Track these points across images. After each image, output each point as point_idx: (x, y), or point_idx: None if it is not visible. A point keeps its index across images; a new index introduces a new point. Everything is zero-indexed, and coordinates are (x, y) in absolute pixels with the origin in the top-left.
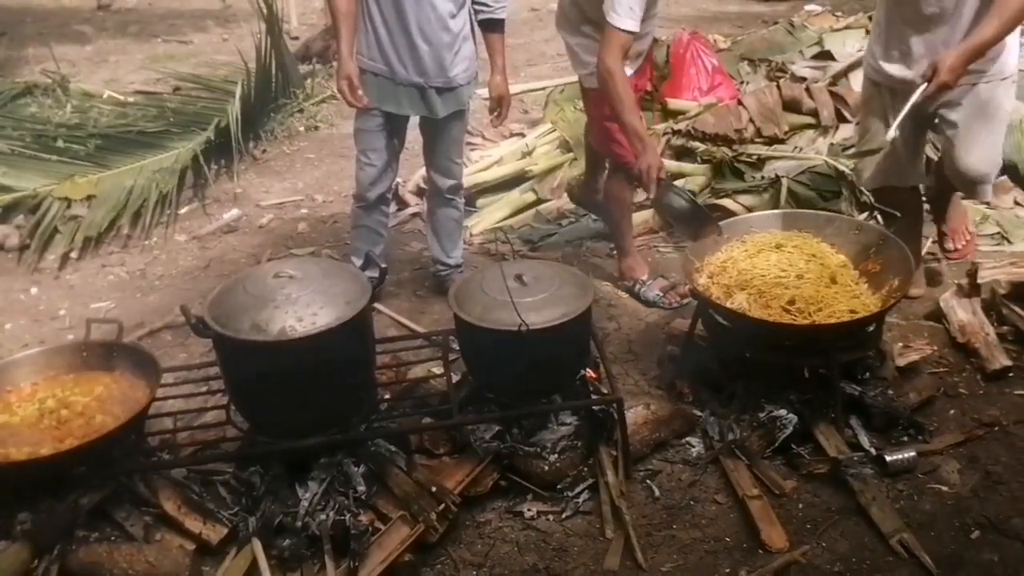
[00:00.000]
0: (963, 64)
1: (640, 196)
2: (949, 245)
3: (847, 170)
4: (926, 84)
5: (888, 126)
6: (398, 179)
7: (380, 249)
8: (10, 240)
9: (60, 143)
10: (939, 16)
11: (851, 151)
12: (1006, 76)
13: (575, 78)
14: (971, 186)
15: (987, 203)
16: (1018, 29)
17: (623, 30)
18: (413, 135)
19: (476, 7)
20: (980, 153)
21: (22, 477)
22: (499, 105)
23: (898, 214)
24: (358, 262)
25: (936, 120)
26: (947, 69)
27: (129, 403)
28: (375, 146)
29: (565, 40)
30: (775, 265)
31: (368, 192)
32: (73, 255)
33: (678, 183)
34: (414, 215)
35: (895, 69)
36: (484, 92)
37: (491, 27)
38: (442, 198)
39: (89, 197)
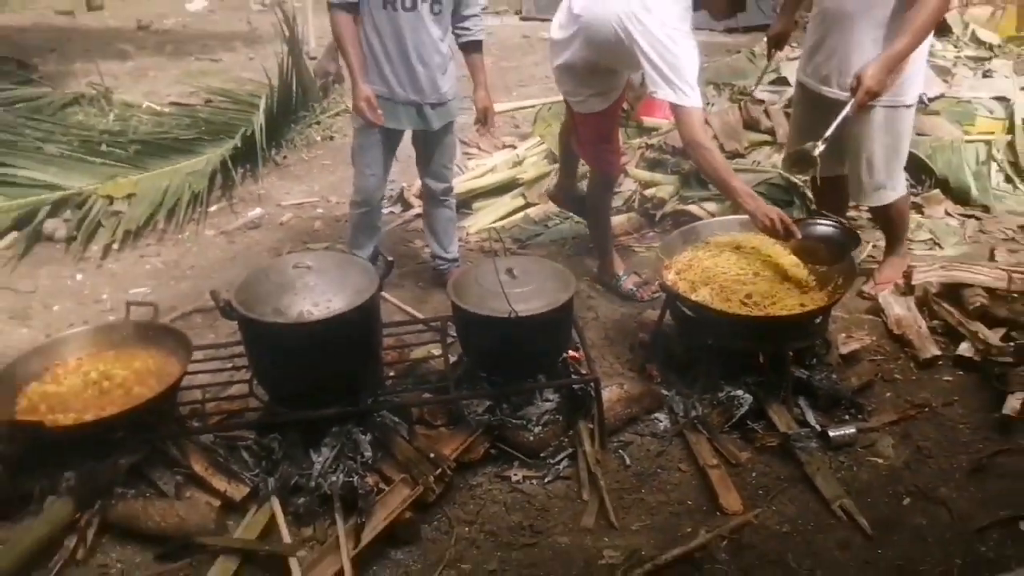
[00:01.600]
0: (884, 73)
1: (616, 202)
2: (868, 288)
3: (798, 182)
4: (853, 100)
5: (814, 130)
6: (403, 183)
7: (375, 242)
8: (59, 232)
9: (104, 147)
10: (855, 14)
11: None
12: (904, 102)
13: (560, 97)
14: (867, 191)
15: (920, 209)
16: (923, 60)
17: (697, 107)
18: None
19: (457, 31)
20: (873, 161)
21: (68, 440)
22: (484, 116)
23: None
24: (362, 254)
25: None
26: (870, 78)
27: (163, 376)
28: (375, 159)
29: (560, 74)
30: (735, 264)
31: (371, 197)
32: (114, 246)
33: (649, 192)
34: (417, 216)
35: (815, 72)
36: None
37: (472, 48)
38: (436, 200)
39: (129, 195)
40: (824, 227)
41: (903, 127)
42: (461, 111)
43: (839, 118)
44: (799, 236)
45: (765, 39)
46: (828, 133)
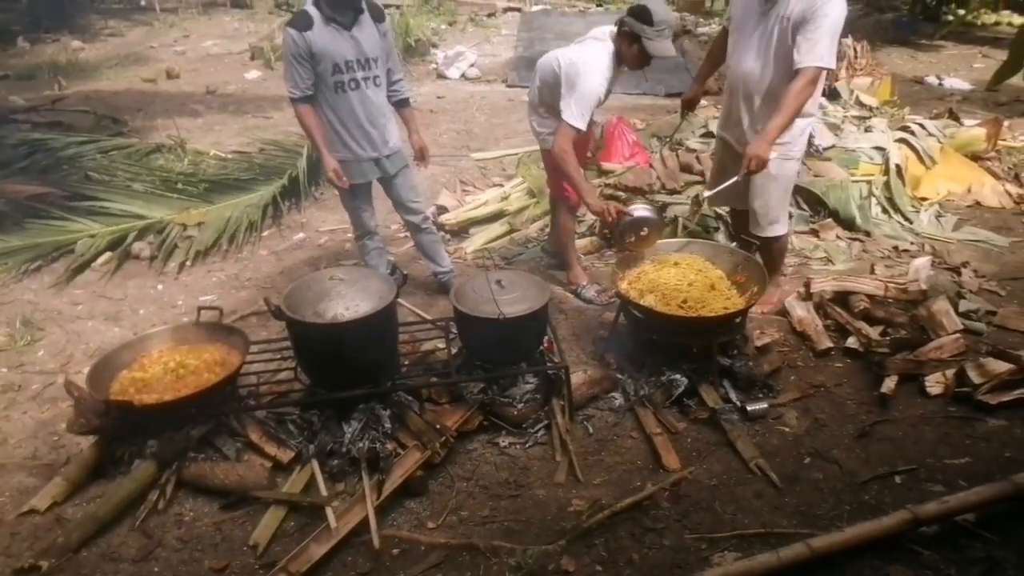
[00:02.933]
0: (766, 149)
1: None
2: (756, 308)
3: (723, 213)
4: (745, 170)
5: (728, 171)
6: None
7: (386, 260)
8: (144, 252)
9: (179, 186)
10: (751, 89)
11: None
12: (792, 157)
13: (538, 147)
14: (763, 224)
15: (816, 234)
16: (806, 126)
17: (574, 127)
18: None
19: (390, 94)
20: (767, 202)
21: (151, 416)
22: (421, 154)
23: (756, 243)
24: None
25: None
26: (754, 152)
27: (226, 365)
28: (357, 205)
29: (529, 117)
30: (673, 276)
31: (369, 226)
32: (188, 263)
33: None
34: None
35: (727, 130)
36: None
37: (402, 104)
38: (418, 229)
39: (199, 223)
40: (642, 211)
41: (790, 175)
42: (459, 158)
43: (730, 181)
44: (618, 227)
45: (680, 102)
46: (717, 190)
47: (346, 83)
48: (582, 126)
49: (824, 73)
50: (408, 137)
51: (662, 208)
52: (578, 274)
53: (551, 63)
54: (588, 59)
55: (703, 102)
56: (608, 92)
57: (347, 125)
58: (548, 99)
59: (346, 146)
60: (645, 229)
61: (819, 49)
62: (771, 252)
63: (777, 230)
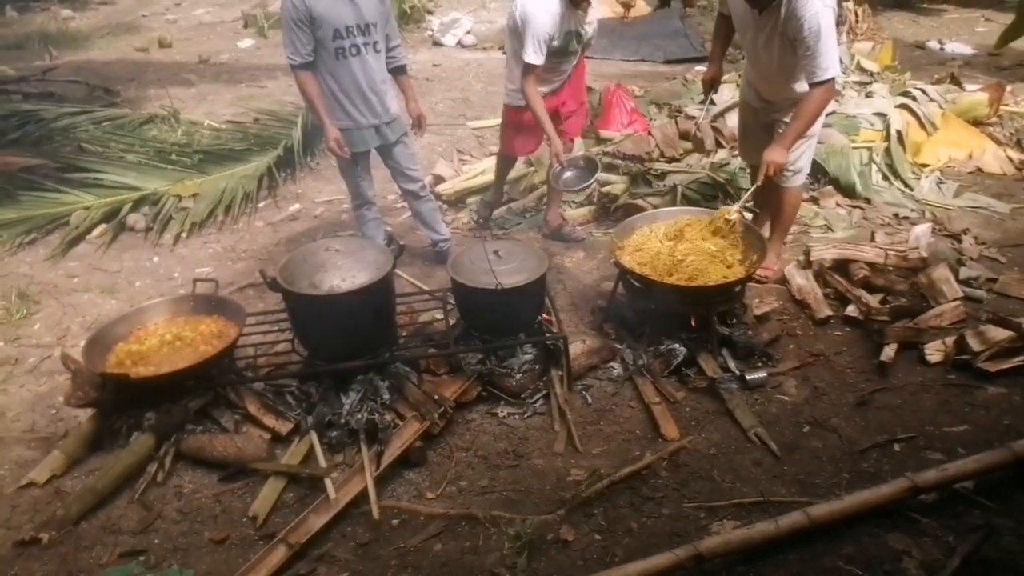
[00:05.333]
0: (783, 155)
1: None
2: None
3: (722, 180)
4: (762, 177)
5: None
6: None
7: (381, 231)
8: (139, 224)
9: (173, 157)
10: (765, 70)
11: (726, 164)
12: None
13: None
14: (786, 174)
15: (816, 201)
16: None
17: (529, 64)
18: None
19: (388, 59)
20: (795, 152)
21: (149, 388)
22: (418, 121)
23: (757, 211)
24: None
25: (774, 124)
26: (773, 158)
27: (223, 337)
28: (356, 173)
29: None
30: (672, 245)
31: (368, 196)
32: (183, 235)
33: (605, 189)
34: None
35: (749, 96)
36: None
37: (399, 71)
38: (416, 196)
39: (194, 195)
40: (579, 159)
41: (818, 127)
42: (456, 126)
43: (751, 190)
44: (556, 166)
45: (701, 82)
46: (741, 202)
47: (347, 49)
48: (534, 61)
49: (836, 78)
50: (406, 105)
51: (591, 163)
52: (556, 216)
53: (512, 13)
54: (539, 3)
55: (701, 68)
56: (568, 32)
57: (348, 92)
58: (517, 50)
59: (347, 114)
60: (584, 183)
61: (823, 62)
62: (784, 205)
63: (798, 179)
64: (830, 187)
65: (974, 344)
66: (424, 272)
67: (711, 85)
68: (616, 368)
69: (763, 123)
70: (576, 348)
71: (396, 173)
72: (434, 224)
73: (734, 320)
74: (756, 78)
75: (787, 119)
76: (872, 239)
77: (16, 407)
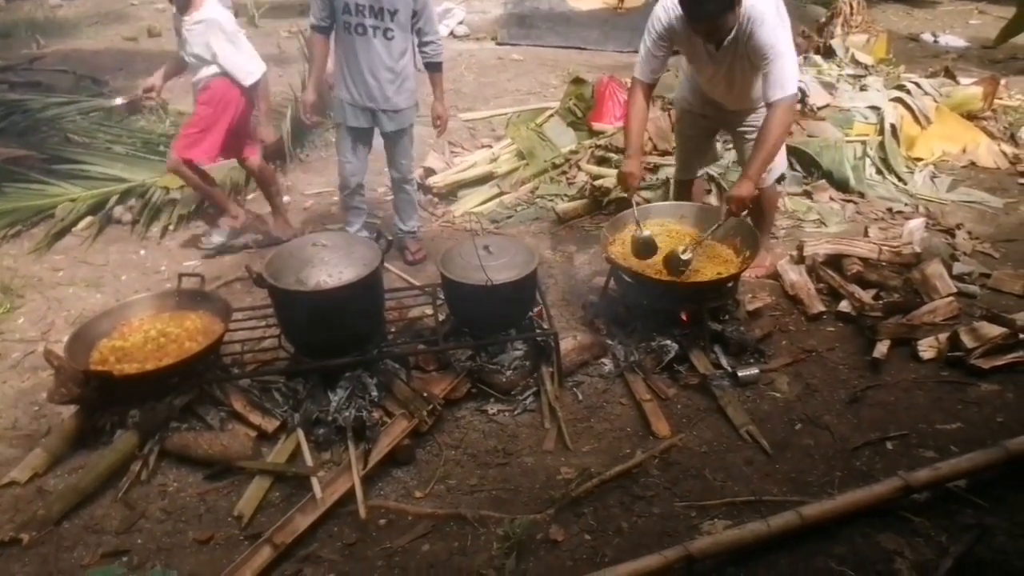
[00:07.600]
0: (750, 190)
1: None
2: (748, 273)
3: (715, 175)
4: (726, 216)
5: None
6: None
7: (363, 220)
8: (125, 216)
9: (161, 148)
10: (725, 94)
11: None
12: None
13: (529, 106)
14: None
15: (809, 196)
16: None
17: None
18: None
19: (421, 54)
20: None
21: (133, 385)
22: (438, 121)
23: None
24: (351, 230)
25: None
26: (738, 198)
27: (209, 333)
28: (349, 150)
29: None
30: (664, 240)
31: (349, 182)
32: (170, 228)
33: (598, 182)
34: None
35: (694, 103)
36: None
37: (432, 68)
38: (400, 186)
39: (182, 187)
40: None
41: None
42: (448, 119)
43: (713, 228)
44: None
45: (620, 185)
46: (705, 235)
47: (353, 26)
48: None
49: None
50: (432, 103)
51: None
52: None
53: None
54: None
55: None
56: None
57: (349, 67)
58: None
59: (347, 87)
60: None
61: (782, 78)
62: (764, 204)
63: (772, 176)
64: (823, 181)
65: (967, 340)
66: (414, 267)
67: (634, 184)
68: (607, 364)
69: (704, 129)
70: (567, 344)
71: (388, 159)
72: (404, 214)
73: (726, 316)
74: (715, 96)
75: (746, 124)
76: (865, 234)
77: None
